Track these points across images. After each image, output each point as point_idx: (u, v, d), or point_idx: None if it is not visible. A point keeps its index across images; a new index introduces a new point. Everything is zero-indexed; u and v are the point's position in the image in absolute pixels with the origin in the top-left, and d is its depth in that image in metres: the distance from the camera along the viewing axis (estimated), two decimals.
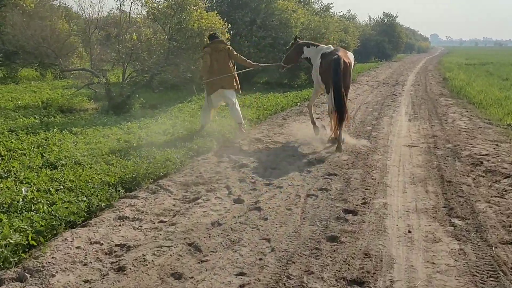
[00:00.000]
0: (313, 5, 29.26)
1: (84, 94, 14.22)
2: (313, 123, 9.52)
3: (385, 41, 48.04)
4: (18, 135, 8.68)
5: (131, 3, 13.23)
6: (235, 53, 9.46)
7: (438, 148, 8.34)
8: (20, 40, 12.81)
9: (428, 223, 4.91)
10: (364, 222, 4.94)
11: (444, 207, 5.40)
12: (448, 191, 5.93)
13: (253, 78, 21.63)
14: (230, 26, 13.93)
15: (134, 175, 6.27)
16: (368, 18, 65.67)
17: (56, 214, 4.72)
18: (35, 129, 9.20)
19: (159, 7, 12.77)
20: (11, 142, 7.96)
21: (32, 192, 5.49)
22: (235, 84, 9.37)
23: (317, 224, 4.89)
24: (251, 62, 9.93)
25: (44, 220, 4.56)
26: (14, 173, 6.33)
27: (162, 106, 12.99)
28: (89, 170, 6.52)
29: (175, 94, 14.92)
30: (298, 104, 14.71)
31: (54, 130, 9.18)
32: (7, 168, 6.53)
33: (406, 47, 71.67)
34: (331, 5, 30.96)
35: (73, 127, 9.54)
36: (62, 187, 5.79)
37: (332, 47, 9.05)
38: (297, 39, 10.03)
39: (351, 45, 29.15)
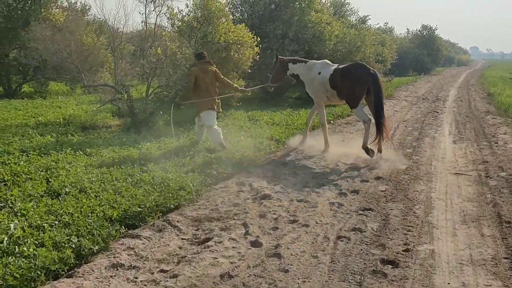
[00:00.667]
0: (348, 18, 28.35)
1: (109, 110, 13.76)
2: (327, 141, 9.48)
3: (424, 54, 46.57)
4: (28, 156, 8.14)
5: (156, 16, 12.65)
6: (222, 76, 9.42)
7: (490, 177, 7.31)
8: (44, 55, 12.41)
9: (488, 282, 3.96)
10: (407, 278, 4.02)
11: (506, 258, 4.43)
12: (509, 236, 4.95)
13: (284, 93, 20.88)
14: (259, 39, 13.22)
15: (140, 209, 5.52)
16: (406, 30, 64.01)
17: (37, 262, 3.99)
18: (48, 150, 8.64)
19: (185, 19, 12.16)
20: (19, 165, 7.39)
21: (23, 228, 4.83)
22: (219, 105, 9.58)
23: (348, 279, 4.01)
24: (238, 86, 9.88)
25: (21, 270, 3.85)
26: (11, 203, 5.71)
27: (187, 123, 12.32)
28: (92, 201, 5.83)
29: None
30: (332, 121, 13.80)
31: (68, 150, 8.61)
32: (5, 196, 5.91)
33: (446, 60, 69.65)
34: (367, 18, 30.00)
35: (88, 148, 8.95)
36: (58, 222, 5.10)
37: (329, 62, 9.49)
38: (278, 57, 10.05)
39: (388, 58, 28.08)
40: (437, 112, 16.17)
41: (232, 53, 11.83)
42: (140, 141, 9.83)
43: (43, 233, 4.77)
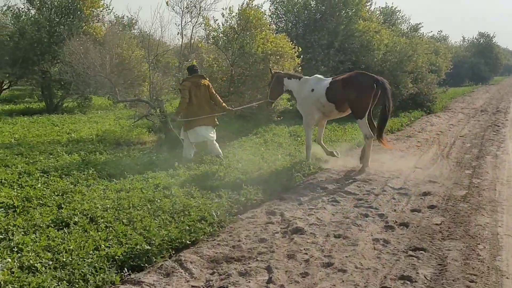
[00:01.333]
0: (399, 26, 27.05)
1: (145, 125, 13.23)
2: (330, 153, 9.30)
3: (481, 63, 44.23)
4: (48, 178, 7.62)
5: (192, 27, 12.08)
6: (213, 91, 9.22)
7: None
8: (78, 69, 12.09)
9: None
10: None
11: None
12: None
13: None
14: (302, 49, 12.39)
15: (148, 246, 4.77)
16: (462, 39, 61.30)
17: None
18: (71, 170, 8.11)
19: (221, 29, 11.52)
20: (35, 188, 6.86)
21: (11, 270, 4.18)
22: (216, 120, 9.31)
23: None
24: (226, 106, 9.47)
25: None
26: (12, 235, 5.11)
27: (224, 140, 11.61)
28: (100, 233, 5.15)
29: (240, 125, 13.53)
30: None
31: (90, 171, 8.03)
32: (8, 226, 5.33)
33: (504, 69, 66.33)
34: (419, 26, 28.59)
35: (113, 168, 8.37)
36: (54, 261, 4.43)
37: (322, 77, 9.21)
38: (273, 72, 9.88)
39: (442, 68, 26.55)
40: (498, 126, 14.75)
41: (270, 65, 11.04)
42: (171, 160, 9.18)
43: (33, 276, 4.10)
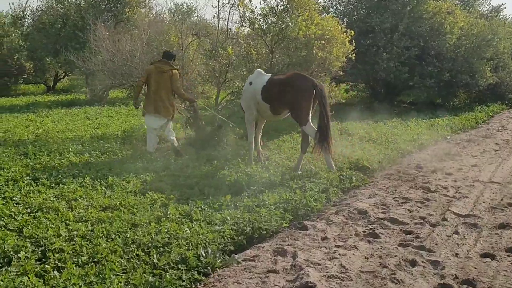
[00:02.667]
0: (478, 8, 24.16)
1: (180, 120, 11.87)
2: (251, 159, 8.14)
3: None
4: (34, 186, 6.46)
5: (229, 9, 10.55)
6: (177, 82, 8.66)
7: None
8: (104, 57, 11.00)
9: None
10: None
11: None
12: None
13: (398, 96, 17.79)
14: (356, 34, 10.55)
15: None
16: None
17: None
18: (67, 177, 6.92)
19: (258, 10, 9.92)
20: (7, 202, 5.68)
21: None
22: (171, 111, 8.84)
23: None
24: (190, 97, 9.27)
25: None
26: None
27: (263, 138, 10.09)
28: (35, 281, 3.81)
29: (284, 121, 11.92)
30: (448, 137, 10.68)
31: (86, 179, 6.78)
32: None
33: None
34: (502, 7, 25.47)
35: (116, 174, 7.10)
36: None
37: (262, 72, 8.25)
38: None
39: None
40: None
41: (314, 51, 9.33)
42: (189, 165, 7.80)
43: None
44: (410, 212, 5.54)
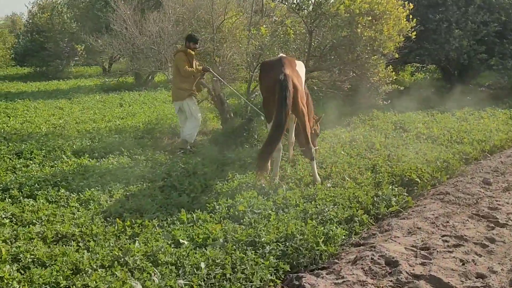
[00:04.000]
0: None
1: (211, 110, 10.50)
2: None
3: None
4: (4, 198, 5.44)
5: None
6: (179, 61, 7.95)
7: None
8: (127, 38, 9.86)
9: None
10: None
11: None
12: None
13: (473, 79, 15.35)
14: (412, 6, 8.58)
15: None
16: None
17: None
18: (46, 186, 5.84)
19: None
20: None
21: None
22: (182, 95, 8.07)
23: None
24: (197, 69, 8.16)
25: None
26: None
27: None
28: None
29: (332, 111, 10.27)
30: None
31: (61, 191, 5.63)
32: None
33: None
34: None
35: (101, 185, 5.91)
36: None
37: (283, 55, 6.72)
38: None
39: None
40: None
41: (359, 30, 7.57)
42: (199, 170, 6.47)
43: None
44: (463, 264, 3.83)
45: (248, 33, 9.22)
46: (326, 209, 4.85)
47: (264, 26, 8.98)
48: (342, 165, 6.53)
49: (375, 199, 5.21)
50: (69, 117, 10.76)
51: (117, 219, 4.80)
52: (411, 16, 8.29)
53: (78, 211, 5.17)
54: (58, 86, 17.62)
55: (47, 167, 6.76)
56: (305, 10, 8.14)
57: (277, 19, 8.98)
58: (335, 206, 4.97)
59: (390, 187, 5.61)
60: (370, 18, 7.62)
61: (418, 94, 12.15)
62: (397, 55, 8.70)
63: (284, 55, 6.68)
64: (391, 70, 9.20)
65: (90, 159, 7.19)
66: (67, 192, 5.64)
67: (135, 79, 17.56)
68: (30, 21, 23.43)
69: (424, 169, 6.19)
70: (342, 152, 7.35)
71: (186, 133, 8.10)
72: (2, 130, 9.04)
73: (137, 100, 13.57)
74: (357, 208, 4.96)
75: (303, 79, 6.39)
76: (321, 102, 10.09)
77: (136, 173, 6.44)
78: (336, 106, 10.15)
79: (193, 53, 8.18)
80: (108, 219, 4.92)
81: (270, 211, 4.92)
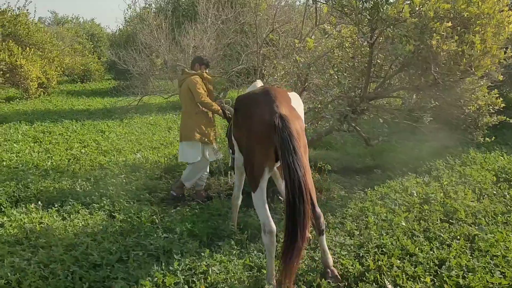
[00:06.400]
0: None
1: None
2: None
3: None
4: None
5: None
6: (195, 87, 6.00)
7: None
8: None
9: None
10: None
11: None
12: None
13: None
14: None
15: None
16: None
17: None
18: None
19: None
20: None
21: None
22: (196, 133, 6.08)
23: None
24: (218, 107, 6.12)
25: None
26: None
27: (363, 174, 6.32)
28: None
29: (407, 150, 7.70)
30: None
31: None
32: None
33: None
34: None
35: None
36: None
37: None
38: None
39: None
40: None
41: (434, 42, 5.02)
42: (189, 241, 4.48)
43: None
44: None
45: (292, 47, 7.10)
46: None
47: (312, 37, 6.78)
48: (389, 256, 4.15)
49: None
50: (99, 144, 9.33)
51: None
52: None
53: None
54: (129, 102, 16.52)
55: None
56: (363, 14, 5.73)
57: (327, 27, 6.63)
58: None
59: None
60: (450, 24, 5.05)
61: None
62: (500, 77, 5.98)
63: (268, 85, 5.05)
64: (496, 95, 6.47)
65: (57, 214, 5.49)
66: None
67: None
68: (116, 33, 23.01)
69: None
70: (401, 224, 4.91)
71: (185, 173, 6.34)
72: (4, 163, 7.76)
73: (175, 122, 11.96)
74: None
75: (303, 118, 4.28)
76: (394, 139, 7.59)
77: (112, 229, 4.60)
78: (414, 144, 7.59)
79: (210, 78, 6.32)
80: None
81: None
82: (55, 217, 5.34)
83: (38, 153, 8.53)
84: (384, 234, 4.71)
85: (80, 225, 5.05)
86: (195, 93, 5.99)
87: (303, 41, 6.93)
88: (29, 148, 8.88)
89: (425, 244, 4.50)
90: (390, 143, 8.08)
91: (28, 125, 11.27)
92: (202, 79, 6.19)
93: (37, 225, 5.01)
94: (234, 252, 4.35)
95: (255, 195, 3.85)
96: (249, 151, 3.93)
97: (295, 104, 4.17)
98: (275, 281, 3.76)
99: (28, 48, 17.14)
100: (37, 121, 11.91)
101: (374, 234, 4.69)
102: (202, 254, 4.35)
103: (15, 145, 8.99)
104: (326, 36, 6.72)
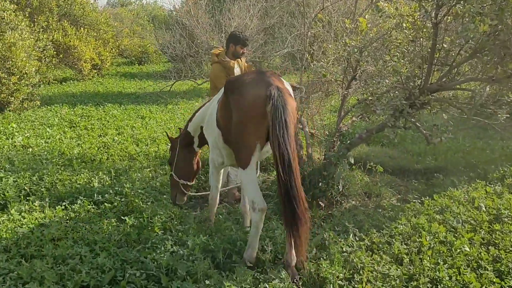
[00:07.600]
0: None
1: None
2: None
3: None
4: None
5: None
6: (216, 78, 5.25)
7: None
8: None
9: None
10: None
11: None
12: None
13: None
14: None
15: None
16: None
17: None
18: None
19: None
20: None
21: None
22: None
23: None
24: None
25: None
26: None
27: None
28: None
29: (476, 152, 6.53)
30: None
31: None
32: None
33: None
34: None
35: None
36: None
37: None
38: None
39: None
40: None
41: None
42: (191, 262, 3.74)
43: None
44: None
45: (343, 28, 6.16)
46: None
47: (366, 17, 5.78)
48: None
49: None
50: (135, 131, 8.77)
51: None
52: None
53: None
54: (180, 87, 15.96)
55: None
56: None
57: (382, 3, 5.59)
58: None
59: None
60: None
61: None
62: None
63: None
64: None
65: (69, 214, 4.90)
66: None
67: None
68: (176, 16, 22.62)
69: None
70: (464, 250, 3.90)
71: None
72: (41, 149, 7.30)
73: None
74: None
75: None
76: (461, 137, 6.45)
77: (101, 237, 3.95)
78: (486, 144, 6.42)
79: (233, 65, 5.43)
80: None
81: None
82: (58, 219, 4.73)
83: (70, 139, 8.07)
84: (441, 262, 3.74)
85: (82, 231, 4.40)
86: (216, 83, 5.20)
87: (355, 21, 5.94)
88: (61, 133, 8.44)
89: (494, 280, 3.51)
90: (456, 141, 6.94)
91: (70, 108, 10.93)
92: (224, 67, 5.35)
93: (33, 230, 4.39)
94: (248, 280, 3.53)
95: (245, 172, 3.76)
96: (241, 128, 3.72)
97: (289, 88, 4.04)
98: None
99: (82, 28, 16.98)
100: (80, 104, 11.57)
101: (428, 264, 3.72)
102: (211, 278, 3.58)
103: (48, 129, 8.59)
104: (380, 15, 5.68)
